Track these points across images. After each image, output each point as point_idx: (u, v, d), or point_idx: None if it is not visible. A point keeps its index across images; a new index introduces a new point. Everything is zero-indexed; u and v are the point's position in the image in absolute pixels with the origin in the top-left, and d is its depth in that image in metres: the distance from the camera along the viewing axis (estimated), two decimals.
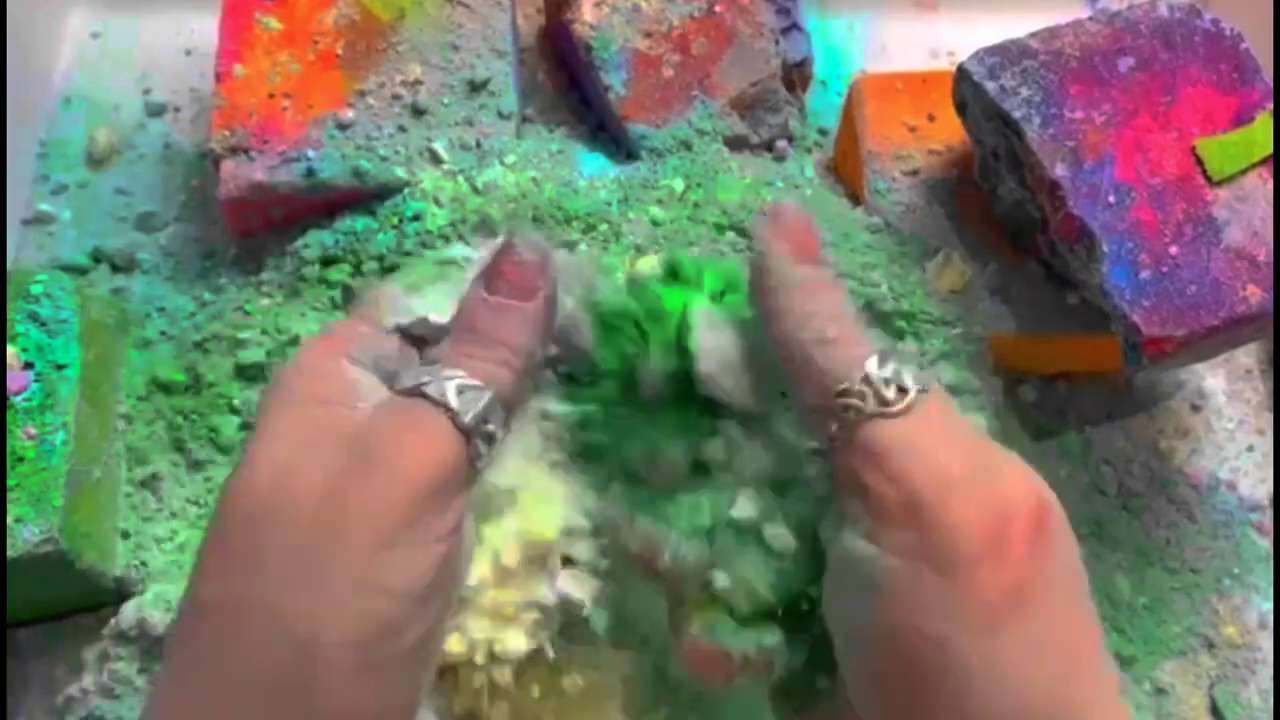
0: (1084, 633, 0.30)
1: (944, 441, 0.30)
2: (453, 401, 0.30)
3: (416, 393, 0.30)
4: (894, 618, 0.29)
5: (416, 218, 0.48)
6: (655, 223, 0.49)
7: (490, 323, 0.32)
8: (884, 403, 0.29)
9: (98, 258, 0.52)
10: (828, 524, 0.32)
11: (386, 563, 0.28)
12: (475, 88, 0.51)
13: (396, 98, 0.50)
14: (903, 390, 0.30)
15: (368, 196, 0.49)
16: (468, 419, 0.30)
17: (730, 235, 0.49)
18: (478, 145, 0.50)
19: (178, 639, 0.29)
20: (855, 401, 0.30)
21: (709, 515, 0.33)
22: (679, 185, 0.50)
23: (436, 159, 0.49)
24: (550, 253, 0.33)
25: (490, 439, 0.31)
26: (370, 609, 0.28)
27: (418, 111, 0.50)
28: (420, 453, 0.29)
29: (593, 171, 0.51)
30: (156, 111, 0.57)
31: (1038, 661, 0.28)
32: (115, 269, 0.52)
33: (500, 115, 0.51)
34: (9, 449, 0.42)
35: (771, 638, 0.33)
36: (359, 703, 0.28)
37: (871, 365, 0.30)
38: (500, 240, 0.33)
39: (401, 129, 0.50)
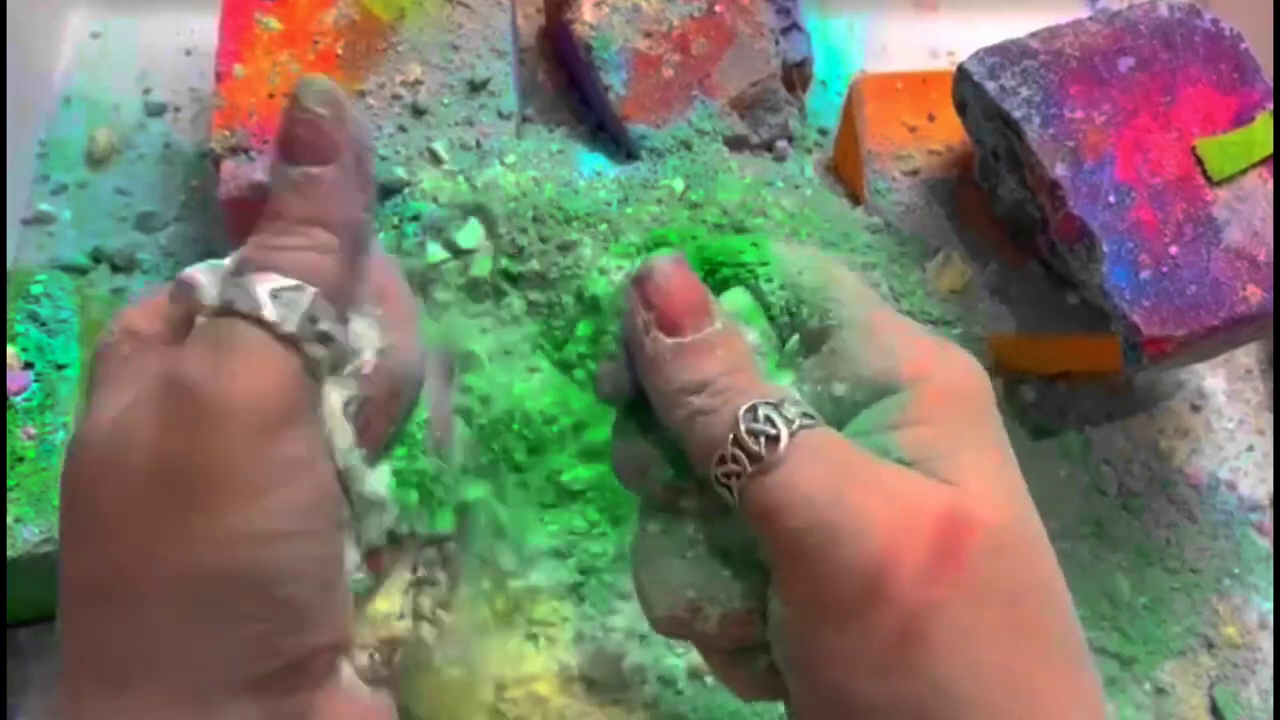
0: (1025, 673, 0.27)
1: (821, 482, 0.27)
2: (267, 311, 0.26)
3: (226, 311, 0.27)
4: (798, 664, 0.29)
5: (416, 218, 0.48)
6: (656, 222, 0.49)
7: (295, 203, 0.28)
8: (756, 460, 0.28)
9: (98, 258, 0.53)
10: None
11: (242, 514, 0.26)
12: (475, 88, 0.51)
13: (396, 98, 0.50)
14: (771, 439, 0.28)
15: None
16: (290, 327, 0.27)
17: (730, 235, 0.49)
18: (478, 145, 0.50)
19: (66, 628, 0.27)
20: (732, 467, 0.28)
21: None
22: (679, 185, 0.50)
23: (436, 159, 0.49)
24: (345, 99, 0.29)
25: (325, 338, 0.27)
26: (246, 563, 0.26)
27: (418, 111, 0.50)
28: (242, 382, 0.26)
29: (593, 171, 0.51)
30: (156, 111, 0.57)
31: (945, 696, 0.26)
32: (115, 269, 0.52)
33: (500, 115, 0.51)
34: (9, 449, 0.42)
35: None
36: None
37: (741, 423, 0.28)
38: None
39: (401, 129, 0.50)
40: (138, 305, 0.30)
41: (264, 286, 0.27)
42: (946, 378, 0.30)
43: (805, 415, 0.28)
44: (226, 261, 0.29)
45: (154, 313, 0.29)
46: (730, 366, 0.29)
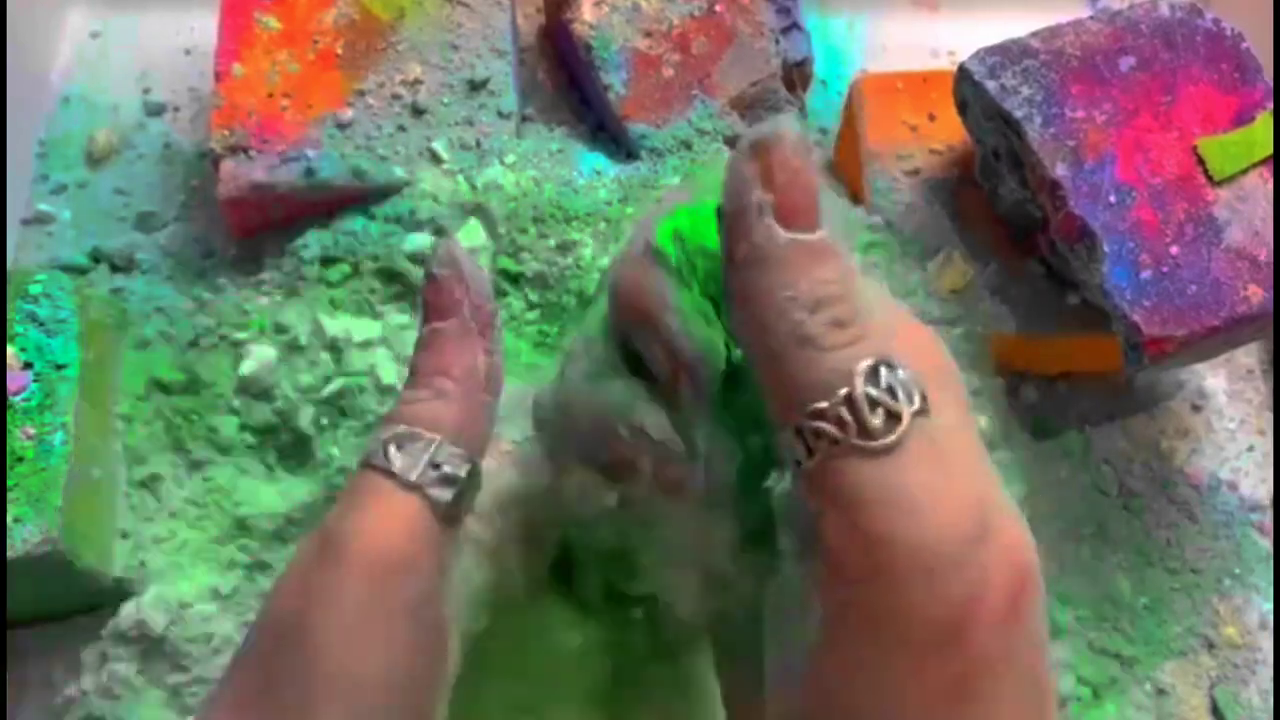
0: (1039, 701, 0.25)
1: (932, 496, 0.23)
2: (394, 463, 0.29)
3: (363, 465, 0.29)
4: (823, 673, 0.25)
5: (413, 214, 0.48)
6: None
7: (422, 357, 0.30)
8: (866, 433, 0.23)
9: (97, 258, 0.52)
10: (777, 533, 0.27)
11: (352, 649, 0.27)
12: (475, 87, 0.51)
13: (396, 97, 0.50)
14: (893, 416, 0.23)
15: (368, 196, 0.49)
16: (413, 475, 0.28)
17: None
18: (478, 145, 0.50)
19: None
20: (830, 428, 0.23)
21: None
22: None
23: (436, 159, 0.49)
24: (463, 256, 0.31)
25: (451, 481, 0.29)
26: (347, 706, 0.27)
27: (417, 111, 0.50)
28: (370, 527, 0.28)
29: (592, 171, 0.51)
30: (156, 111, 0.57)
31: None
32: (114, 269, 0.52)
33: (500, 115, 0.51)
34: (8, 449, 0.42)
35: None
36: None
37: (860, 379, 0.23)
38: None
39: (401, 129, 0.50)
40: None
41: (390, 438, 0.29)
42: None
43: (923, 395, 0.24)
44: None
45: None
46: (851, 293, 0.24)
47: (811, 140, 0.55)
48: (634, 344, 0.29)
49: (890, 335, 0.25)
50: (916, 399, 0.24)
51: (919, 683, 0.24)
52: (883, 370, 0.24)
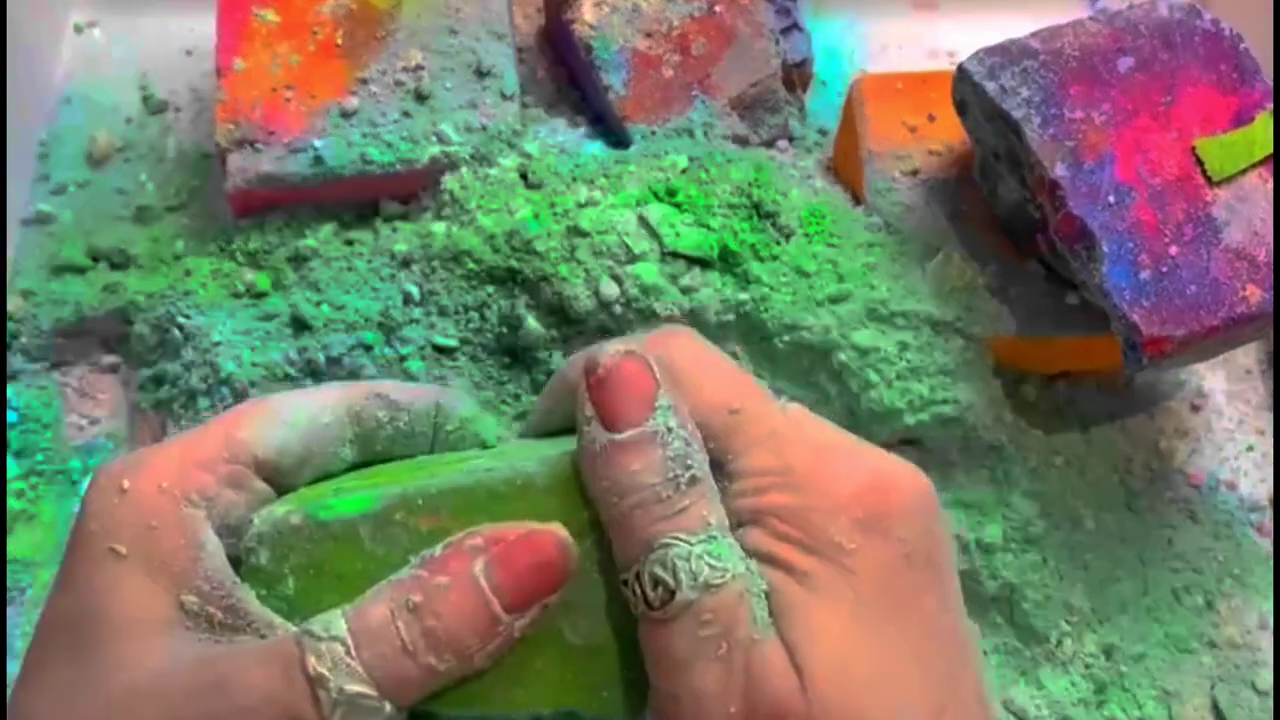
0: None
1: (695, 657, 0.28)
2: (322, 684, 0.28)
3: (294, 639, 0.28)
4: None
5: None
6: (659, 182, 0.49)
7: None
8: (649, 604, 0.29)
9: (97, 257, 0.52)
10: None
11: None
12: (476, 71, 0.51)
13: (399, 84, 0.50)
14: (670, 592, 0.28)
15: (376, 183, 0.49)
16: (327, 712, 0.28)
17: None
18: (483, 129, 0.50)
19: None
20: (629, 594, 0.29)
21: None
22: (682, 161, 0.50)
23: (443, 141, 0.49)
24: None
25: None
26: None
27: (420, 97, 0.50)
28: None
29: (591, 155, 0.51)
30: (156, 111, 0.57)
31: None
32: (114, 267, 0.52)
33: (503, 96, 0.51)
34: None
35: None
36: None
37: (646, 562, 0.29)
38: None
39: (406, 114, 0.50)
40: (158, 462, 0.31)
41: (338, 671, 0.28)
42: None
43: (713, 567, 0.29)
44: None
45: (179, 484, 0.30)
46: (662, 477, 0.29)
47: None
48: None
49: (697, 509, 0.30)
50: (703, 575, 0.28)
51: None
52: (671, 551, 0.28)
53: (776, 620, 0.29)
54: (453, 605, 0.29)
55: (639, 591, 0.29)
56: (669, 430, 0.30)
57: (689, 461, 0.30)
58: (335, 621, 0.28)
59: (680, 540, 0.29)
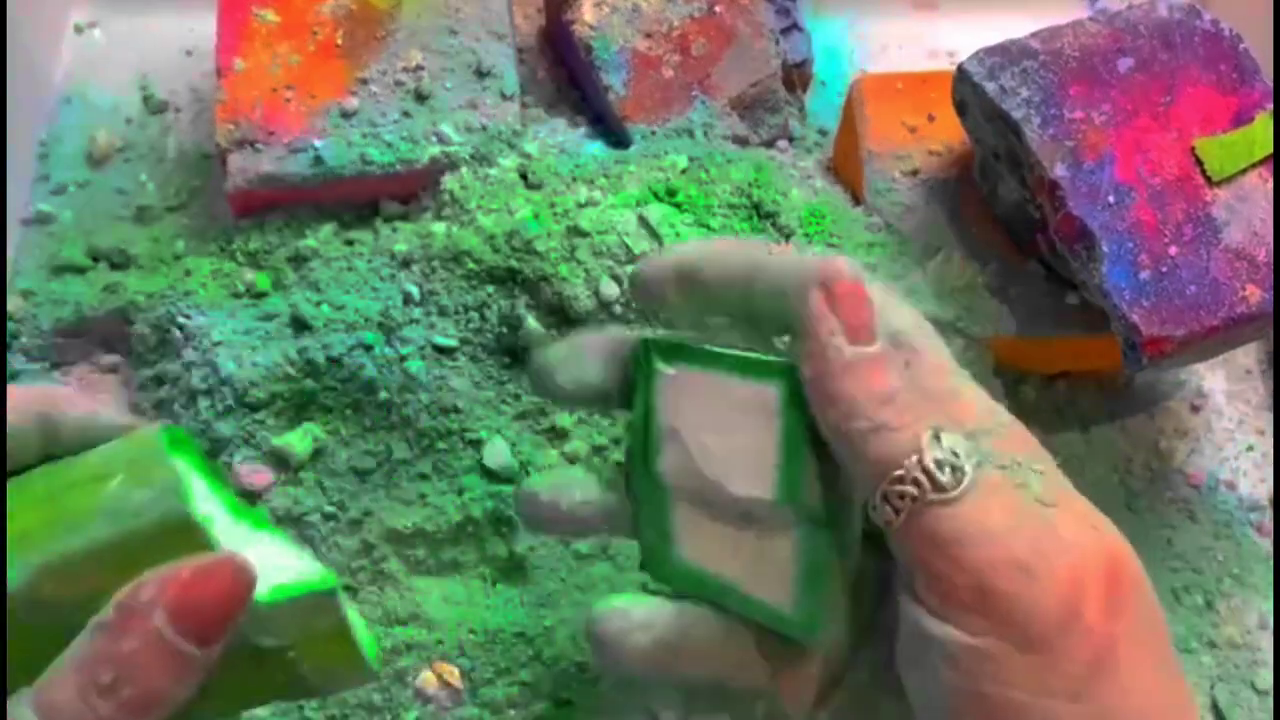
0: (1170, 690, 0.30)
1: (1006, 521, 0.29)
2: None
3: None
4: (975, 685, 0.29)
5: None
6: (659, 182, 0.49)
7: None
8: (940, 489, 0.29)
9: (97, 257, 0.52)
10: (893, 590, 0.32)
11: None
12: (476, 70, 0.51)
13: (399, 84, 0.50)
14: (957, 470, 0.29)
15: (376, 183, 0.49)
16: None
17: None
18: (483, 129, 0.50)
19: None
20: (909, 489, 0.29)
21: None
22: (682, 161, 0.51)
23: (443, 141, 0.49)
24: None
25: None
26: None
27: (421, 97, 0.50)
28: None
29: (591, 155, 0.51)
30: (156, 111, 0.57)
31: (1129, 715, 0.29)
32: (114, 267, 0.52)
33: (503, 96, 0.51)
34: None
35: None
36: None
37: (925, 448, 0.29)
38: None
39: (406, 114, 0.50)
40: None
41: None
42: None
43: (979, 452, 0.30)
44: None
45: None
46: (912, 384, 0.30)
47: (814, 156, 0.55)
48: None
49: (952, 405, 0.31)
50: (976, 454, 0.29)
51: (1060, 667, 0.28)
52: (945, 437, 0.29)
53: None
54: (144, 668, 0.27)
55: (922, 481, 0.29)
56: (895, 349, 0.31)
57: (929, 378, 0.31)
58: (20, 712, 0.26)
59: (951, 431, 0.30)
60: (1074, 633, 0.28)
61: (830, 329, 0.30)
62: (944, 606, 0.29)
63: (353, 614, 0.35)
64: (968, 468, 0.29)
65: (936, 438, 0.29)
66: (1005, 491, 0.30)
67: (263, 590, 0.30)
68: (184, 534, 0.30)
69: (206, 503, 0.33)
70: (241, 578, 0.28)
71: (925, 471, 0.29)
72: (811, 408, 0.31)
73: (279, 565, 0.33)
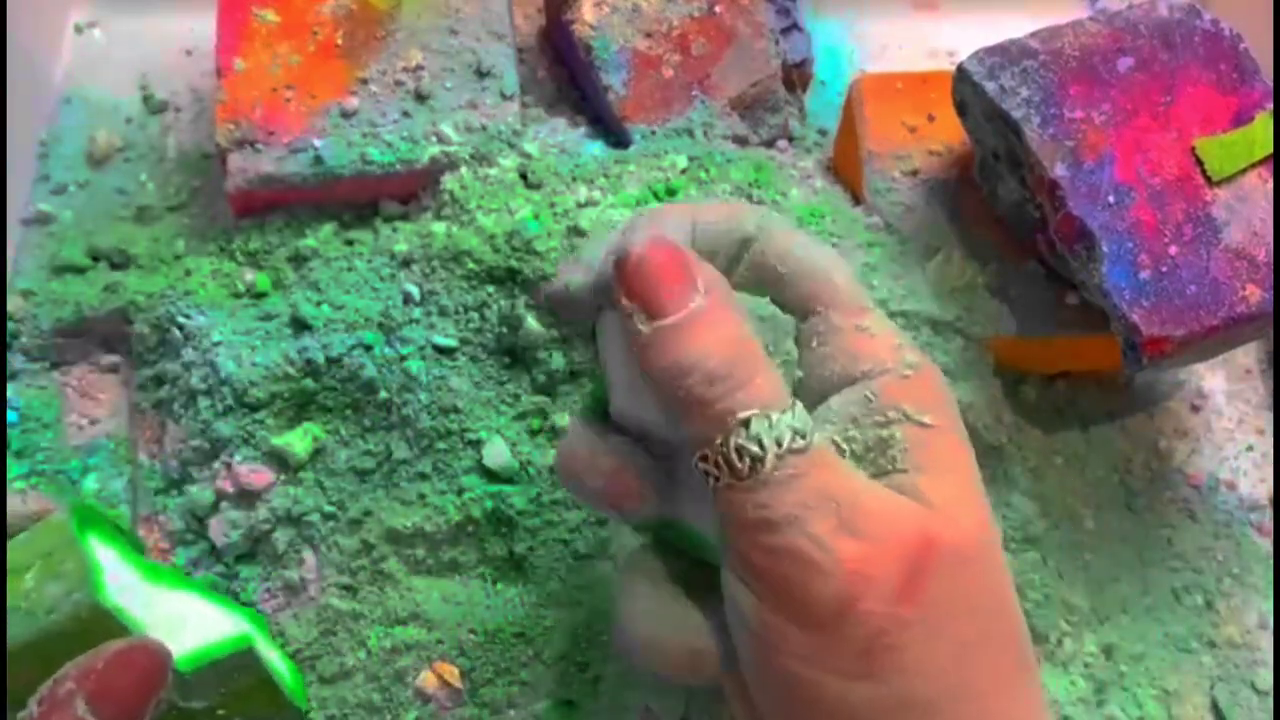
0: (972, 676, 0.30)
1: (798, 512, 0.29)
2: None
3: None
4: (768, 656, 0.30)
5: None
6: (660, 183, 0.49)
7: None
8: (735, 474, 0.29)
9: (97, 257, 0.52)
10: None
11: None
12: (476, 70, 0.51)
13: (399, 84, 0.50)
14: (756, 461, 0.29)
15: (376, 183, 0.49)
16: None
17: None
18: (483, 129, 0.50)
19: None
20: (714, 470, 0.29)
21: None
22: (681, 161, 0.51)
23: (443, 141, 0.49)
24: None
25: None
26: None
27: (421, 97, 0.50)
28: None
29: (591, 155, 0.51)
30: (156, 111, 0.57)
31: (905, 703, 0.29)
32: (114, 267, 0.52)
33: (503, 96, 0.51)
34: None
35: None
36: None
37: (731, 433, 0.29)
38: None
39: (406, 114, 0.50)
40: None
41: None
42: (905, 378, 0.32)
43: (796, 433, 0.29)
44: None
45: None
46: (728, 352, 0.30)
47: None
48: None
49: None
50: (786, 440, 0.29)
51: (836, 648, 0.29)
52: (754, 423, 0.29)
53: (894, 463, 0.31)
54: None
55: (722, 464, 0.29)
56: (716, 307, 0.30)
57: (743, 336, 0.30)
58: None
59: (758, 413, 0.29)
60: (850, 618, 0.29)
61: (627, 309, 0.30)
62: (741, 573, 0.30)
63: (273, 652, 0.37)
64: (770, 456, 0.29)
65: (745, 424, 0.29)
66: (820, 473, 0.29)
67: (184, 655, 0.32)
68: (98, 622, 0.33)
69: (119, 574, 0.34)
70: (156, 659, 0.30)
71: (724, 457, 0.29)
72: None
73: (197, 621, 0.35)
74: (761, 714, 0.32)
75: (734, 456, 0.29)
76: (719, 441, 0.29)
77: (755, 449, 0.29)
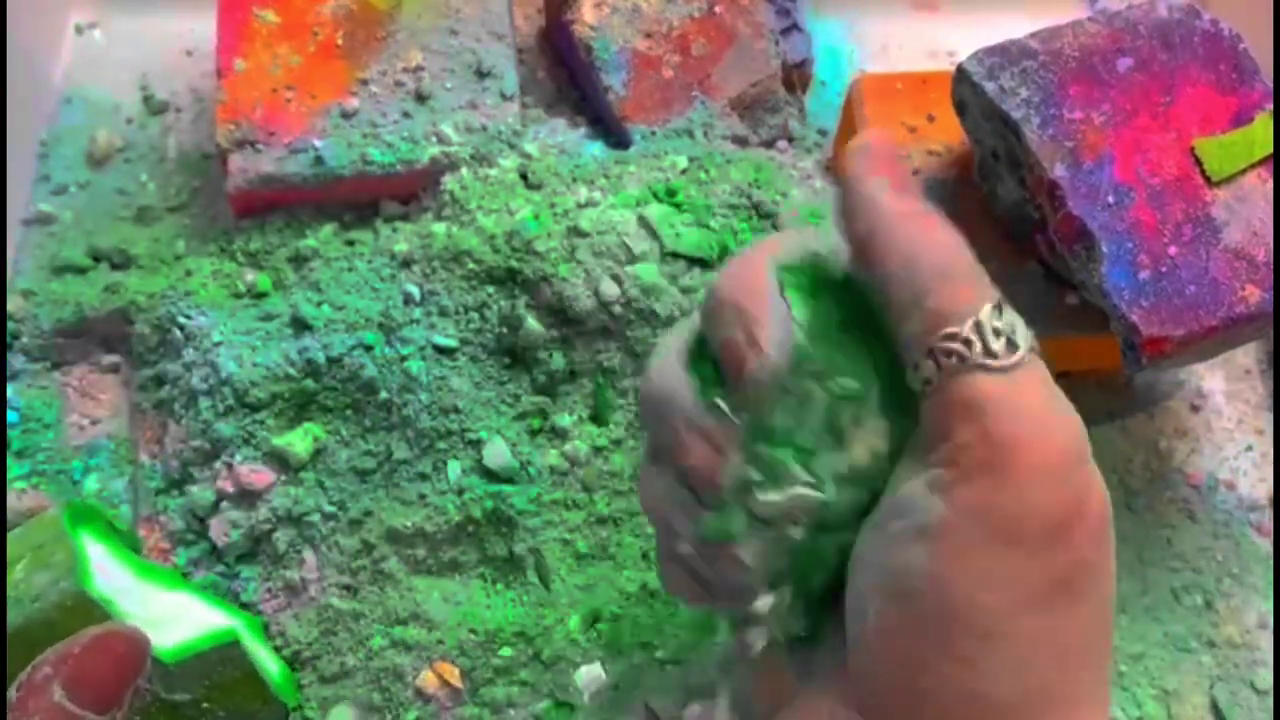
0: (1102, 638, 0.29)
1: (1044, 410, 0.28)
2: None
3: None
4: (940, 567, 0.27)
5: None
6: (659, 182, 0.49)
7: None
8: (990, 354, 0.28)
9: (97, 257, 0.52)
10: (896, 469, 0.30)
11: None
12: (476, 71, 0.51)
13: (399, 84, 0.50)
14: (1013, 345, 0.28)
15: (376, 183, 0.49)
16: None
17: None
18: (483, 129, 0.50)
19: None
20: (960, 347, 0.28)
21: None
22: (682, 161, 0.51)
23: (443, 141, 0.49)
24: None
25: None
26: None
27: (421, 97, 0.50)
28: None
29: (591, 156, 0.52)
30: (156, 111, 0.57)
31: (1060, 652, 0.28)
32: (114, 267, 0.52)
33: (503, 96, 0.51)
34: None
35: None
36: None
37: (985, 312, 0.28)
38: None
39: (406, 114, 0.50)
40: None
41: None
42: None
43: (1035, 348, 0.29)
44: None
45: None
46: (966, 250, 0.30)
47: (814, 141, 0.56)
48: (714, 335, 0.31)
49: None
50: (1032, 339, 0.28)
51: (1033, 575, 0.27)
52: (1004, 309, 0.28)
53: None
54: None
55: (975, 341, 0.28)
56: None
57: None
58: None
59: (1011, 308, 0.29)
60: (1061, 547, 0.27)
61: (877, 183, 0.30)
62: (946, 476, 0.28)
63: (262, 649, 0.37)
64: (1024, 345, 0.28)
65: (998, 308, 0.28)
66: (1050, 386, 0.29)
67: (168, 647, 0.32)
68: (82, 610, 0.33)
69: (111, 571, 0.35)
70: (134, 646, 0.30)
71: (980, 334, 0.28)
72: (864, 268, 0.30)
73: (188, 619, 0.35)
74: (872, 673, 0.29)
75: (989, 336, 0.28)
76: (972, 322, 0.28)
77: (1013, 333, 0.28)
